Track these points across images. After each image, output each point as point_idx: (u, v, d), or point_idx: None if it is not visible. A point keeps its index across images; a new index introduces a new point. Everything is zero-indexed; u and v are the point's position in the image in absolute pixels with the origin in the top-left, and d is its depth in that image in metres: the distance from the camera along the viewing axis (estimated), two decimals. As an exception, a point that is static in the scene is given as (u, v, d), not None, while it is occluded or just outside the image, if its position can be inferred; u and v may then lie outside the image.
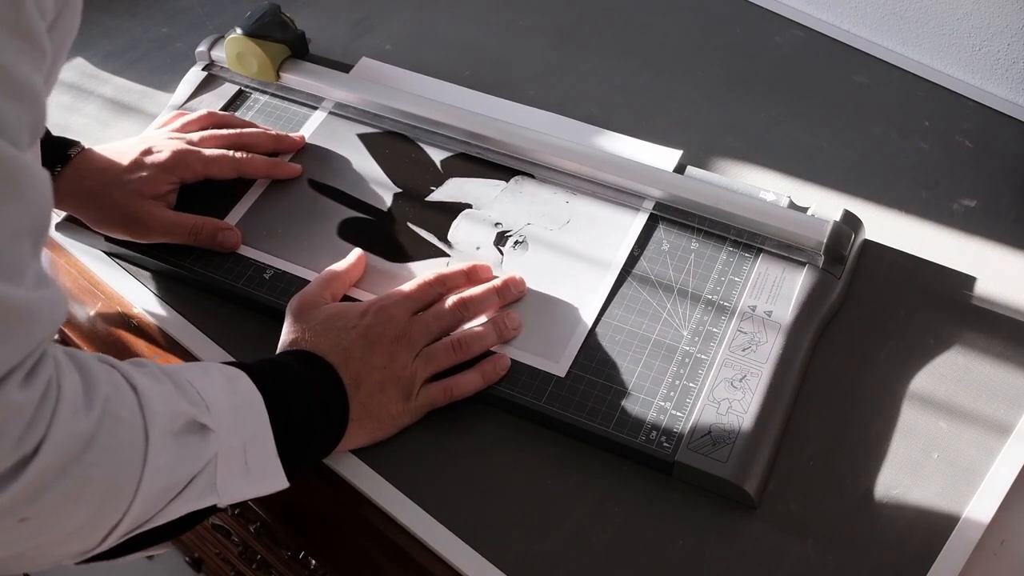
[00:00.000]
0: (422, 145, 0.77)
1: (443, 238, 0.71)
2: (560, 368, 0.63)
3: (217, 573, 1.22)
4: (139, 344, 0.69)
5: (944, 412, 0.62)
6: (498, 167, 0.75)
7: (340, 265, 0.67)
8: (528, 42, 0.88)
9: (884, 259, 0.70)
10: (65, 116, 0.83)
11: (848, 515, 0.58)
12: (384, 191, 0.74)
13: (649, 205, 0.71)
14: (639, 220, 0.70)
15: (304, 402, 0.57)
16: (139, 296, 0.70)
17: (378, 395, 0.60)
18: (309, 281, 0.66)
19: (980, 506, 0.58)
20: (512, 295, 0.66)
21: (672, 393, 0.61)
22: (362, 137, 0.78)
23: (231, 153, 0.72)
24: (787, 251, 0.67)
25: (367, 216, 0.72)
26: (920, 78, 0.83)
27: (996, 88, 0.82)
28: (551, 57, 0.86)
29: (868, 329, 0.66)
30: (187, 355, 0.68)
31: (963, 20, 0.81)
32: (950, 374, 0.64)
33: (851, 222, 0.69)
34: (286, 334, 0.62)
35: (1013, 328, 0.66)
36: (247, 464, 0.52)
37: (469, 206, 0.72)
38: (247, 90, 0.82)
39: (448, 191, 0.74)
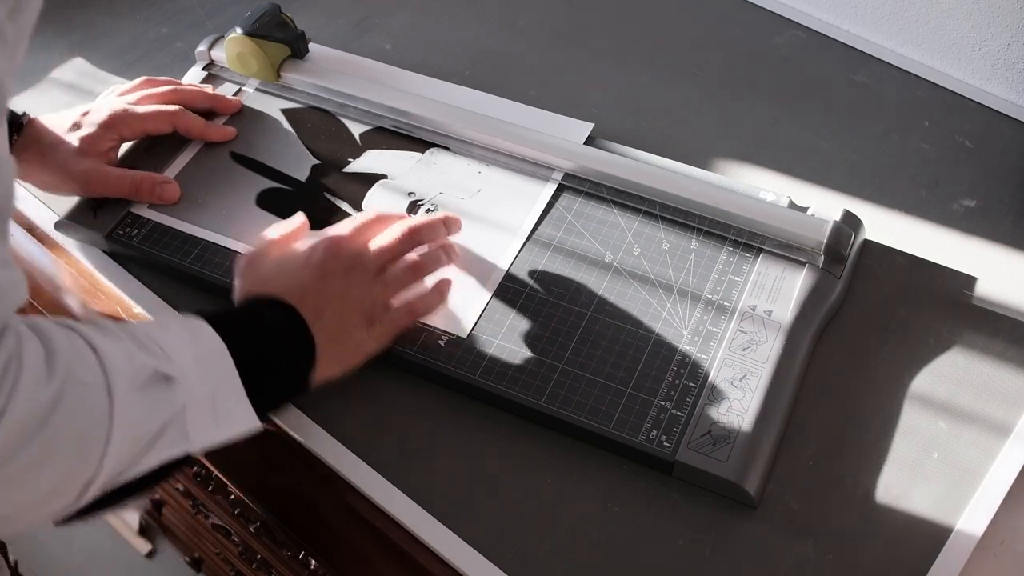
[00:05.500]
0: (342, 119, 0.79)
1: (357, 207, 0.73)
2: (463, 328, 0.65)
3: (217, 573, 1.22)
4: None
5: (944, 412, 0.62)
6: (415, 140, 0.77)
7: (284, 225, 0.67)
8: (528, 42, 0.88)
9: (884, 259, 0.70)
10: (65, 116, 0.83)
11: (848, 515, 0.58)
12: (303, 163, 0.76)
13: (558, 176, 0.73)
14: (548, 190, 0.73)
15: (269, 342, 0.57)
16: (139, 296, 0.70)
17: (340, 323, 0.60)
18: None
19: (980, 506, 0.58)
20: (455, 228, 0.69)
21: (672, 393, 0.61)
22: (285, 112, 0.80)
23: (165, 107, 0.75)
24: (787, 251, 0.67)
25: (285, 186, 0.74)
26: (920, 78, 0.83)
27: (996, 88, 0.82)
28: (551, 57, 0.86)
29: (868, 329, 0.66)
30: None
31: (963, 20, 0.81)
32: (950, 374, 0.64)
33: (851, 222, 0.69)
34: (237, 289, 0.63)
35: (1013, 328, 0.66)
36: (216, 410, 0.53)
37: (384, 177, 0.75)
38: (247, 90, 0.82)
39: (365, 163, 0.76)
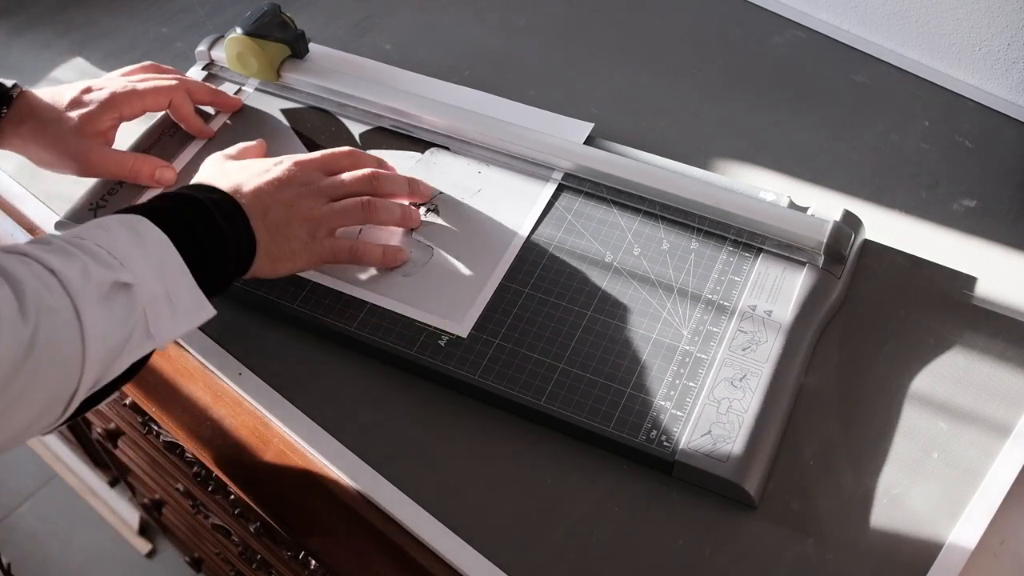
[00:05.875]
0: (342, 119, 0.79)
1: None
2: (463, 328, 0.65)
3: (217, 573, 1.22)
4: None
5: (944, 412, 0.62)
6: (415, 140, 0.77)
7: (246, 143, 0.71)
8: (528, 42, 0.88)
9: (884, 259, 0.70)
10: (65, 116, 0.83)
11: (848, 515, 0.58)
12: None
13: (558, 176, 0.73)
14: (547, 190, 0.73)
15: (211, 229, 0.58)
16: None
17: (283, 227, 0.63)
18: None
19: (980, 506, 0.58)
20: (421, 193, 0.71)
21: (672, 393, 0.61)
22: (285, 112, 0.80)
23: (164, 81, 0.75)
24: (787, 251, 0.67)
25: None
26: (920, 78, 0.83)
27: (996, 88, 0.82)
28: (551, 57, 0.86)
29: (868, 329, 0.66)
30: (186, 355, 0.68)
31: (963, 20, 0.81)
32: (950, 374, 0.64)
33: (851, 222, 0.69)
34: (198, 177, 0.66)
35: (1013, 328, 0.66)
36: (173, 305, 0.55)
37: None
38: (247, 90, 0.82)
39: None
